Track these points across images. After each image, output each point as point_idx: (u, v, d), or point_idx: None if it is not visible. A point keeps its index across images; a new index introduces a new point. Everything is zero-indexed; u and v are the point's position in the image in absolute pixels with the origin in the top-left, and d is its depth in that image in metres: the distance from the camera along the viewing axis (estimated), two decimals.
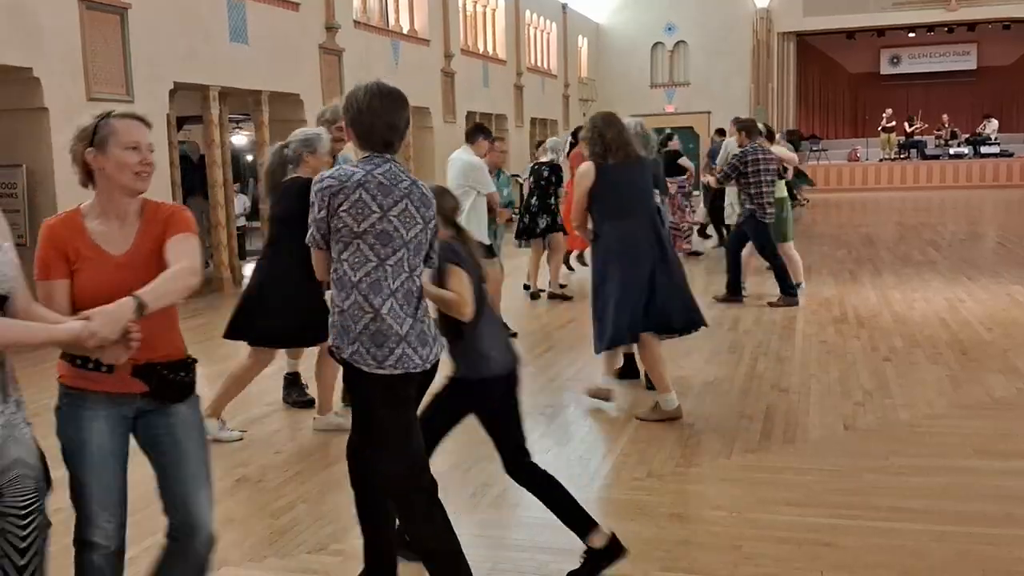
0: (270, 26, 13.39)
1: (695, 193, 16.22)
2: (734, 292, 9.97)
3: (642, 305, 5.71)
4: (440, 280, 3.50)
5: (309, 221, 3.22)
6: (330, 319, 3.24)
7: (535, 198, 10.55)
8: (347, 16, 15.65)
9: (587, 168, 5.79)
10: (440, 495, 4.71)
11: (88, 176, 2.81)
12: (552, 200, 10.53)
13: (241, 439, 5.79)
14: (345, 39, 15.42)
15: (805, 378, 6.77)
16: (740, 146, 9.97)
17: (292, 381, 6.66)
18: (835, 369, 7.01)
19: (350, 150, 5.03)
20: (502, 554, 3.99)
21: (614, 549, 3.66)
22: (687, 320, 5.94)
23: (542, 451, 5.30)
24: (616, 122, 5.86)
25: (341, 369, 3.45)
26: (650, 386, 6.27)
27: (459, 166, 8.08)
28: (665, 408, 5.82)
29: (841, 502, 4.40)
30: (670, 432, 5.55)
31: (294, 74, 14.01)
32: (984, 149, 28.93)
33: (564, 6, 27.47)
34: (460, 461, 5.21)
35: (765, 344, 7.94)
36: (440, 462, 5.19)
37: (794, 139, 17.42)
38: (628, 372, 6.74)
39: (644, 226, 5.78)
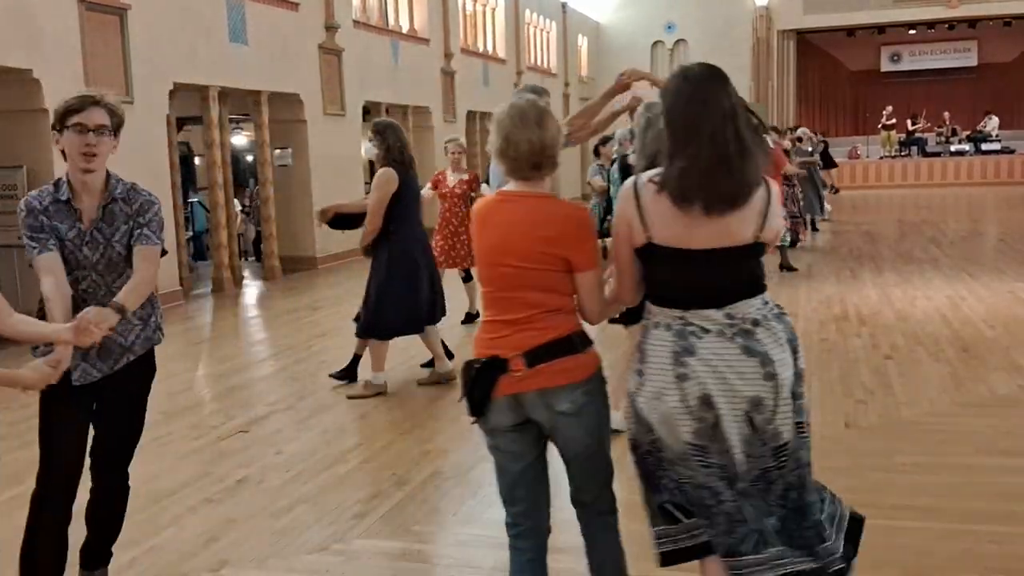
0: (269, 26, 13.39)
1: None
2: None
3: (423, 302, 6.56)
4: None
5: (119, 239, 3.35)
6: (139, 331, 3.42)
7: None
8: (346, 16, 15.65)
9: (392, 174, 6.34)
10: (442, 494, 4.72)
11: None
12: None
13: None
14: (345, 39, 15.42)
15: (806, 376, 6.72)
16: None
17: None
18: (836, 367, 6.99)
19: None
20: (502, 553, 3.96)
21: None
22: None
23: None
24: (401, 130, 6.60)
25: None
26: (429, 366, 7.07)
27: None
28: (376, 383, 6.62)
29: (843, 500, 4.38)
30: None
31: (294, 74, 14.01)
32: (985, 146, 28.89)
33: (564, 5, 27.47)
34: (461, 461, 5.21)
35: None
36: (441, 462, 5.21)
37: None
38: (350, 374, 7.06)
39: (423, 231, 6.77)
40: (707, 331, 2.67)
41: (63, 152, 3.29)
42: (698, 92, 2.63)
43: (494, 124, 2.83)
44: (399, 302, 6.46)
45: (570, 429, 2.86)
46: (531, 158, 2.80)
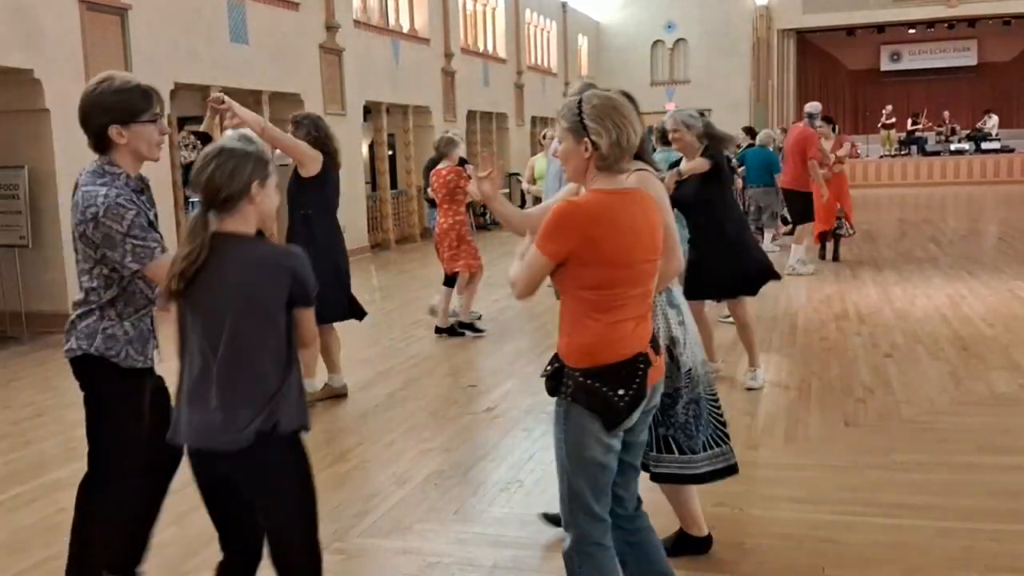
0: (270, 26, 13.40)
1: None
2: None
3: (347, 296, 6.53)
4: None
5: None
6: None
7: None
8: (347, 16, 15.66)
9: (319, 154, 6.27)
10: (442, 493, 4.73)
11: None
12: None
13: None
14: (345, 39, 15.43)
15: (806, 375, 6.76)
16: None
17: None
18: (836, 366, 7.00)
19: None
20: (503, 552, 3.99)
21: None
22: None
23: (544, 448, 5.30)
24: (322, 122, 6.41)
25: None
26: None
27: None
28: (335, 385, 6.60)
29: (843, 498, 4.40)
30: None
31: (294, 74, 14.02)
32: (985, 145, 28.90)
33: (564, 5, 27.48)
34: (461, 460, 5.22)
35: (766, 341, 7.93)
36: (441, 461, 5.22)
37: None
38: None
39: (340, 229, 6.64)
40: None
41: (113, 145, 3.17)
42: None
43: (610, 114, 2.72)
44: (336, 288, 6.30)
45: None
46: (635, 149, 2.82)
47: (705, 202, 6.06)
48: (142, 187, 3.27)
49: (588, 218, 2.69)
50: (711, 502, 4.39)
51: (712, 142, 6.07)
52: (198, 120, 13.39)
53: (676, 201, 5.92)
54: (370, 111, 16.96)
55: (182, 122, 14.13)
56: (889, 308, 9.19)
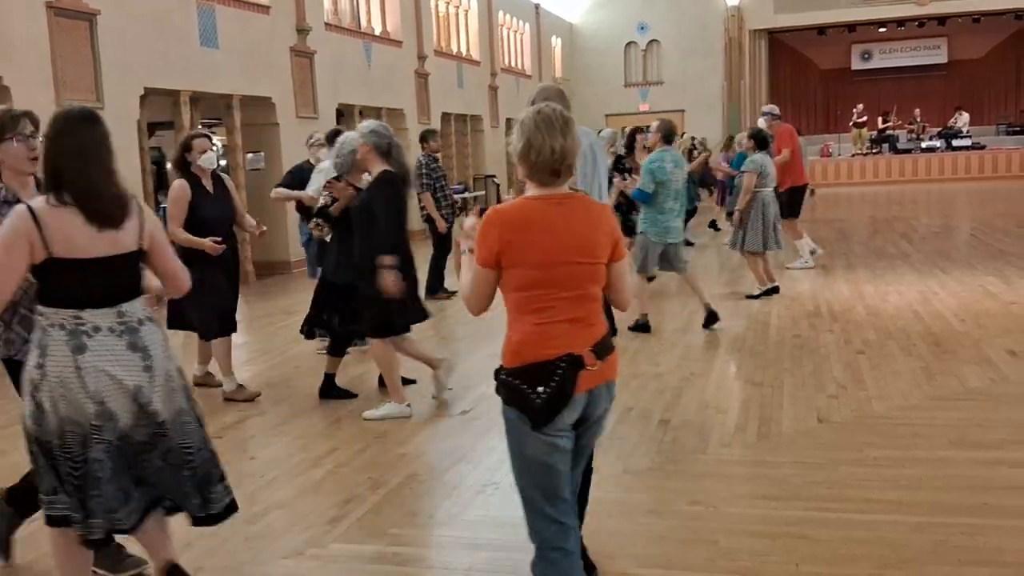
0: (240, 30, 13.33)
1: None
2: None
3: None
4: None
5: None
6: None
7: None
8: (318, 18, 15.60)
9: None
10: (418, 497, 4.71)
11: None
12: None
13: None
14: (317, 41, 15.38)
15: (779, 372, 6.79)
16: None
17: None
18: (809, 363, 7.03)
19: None
20: (478, 554, 3.98)
21: None
22: None
23: None
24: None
25: None
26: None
27: None
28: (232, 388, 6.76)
29: (816, 495, 4.42)
30: (645, 429, 5.56)
31: (265, 77, 13.95)
32: (956, 142, 29.17)
33: (537, 6, 27.51)
34: (437, 463, 5.21)
35: (739, 339, 7.97)
36: (417, 465, 5.21)
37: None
38: None
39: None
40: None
41: None
42: None
43: (518, 127, 2.87)
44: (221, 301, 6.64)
45: (605, 418, 2.99)
46: (552, 165, 2.84)
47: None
48: (17, 199, 3.59)
49: (503, 222, 2.81)
50: (685, 500, 4.41)
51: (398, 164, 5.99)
52: (169, 125, 13.32)
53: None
54: (343, 114, 16.90)
55: (152, 128, 14.04)
56: (861, 305, 9.24)
